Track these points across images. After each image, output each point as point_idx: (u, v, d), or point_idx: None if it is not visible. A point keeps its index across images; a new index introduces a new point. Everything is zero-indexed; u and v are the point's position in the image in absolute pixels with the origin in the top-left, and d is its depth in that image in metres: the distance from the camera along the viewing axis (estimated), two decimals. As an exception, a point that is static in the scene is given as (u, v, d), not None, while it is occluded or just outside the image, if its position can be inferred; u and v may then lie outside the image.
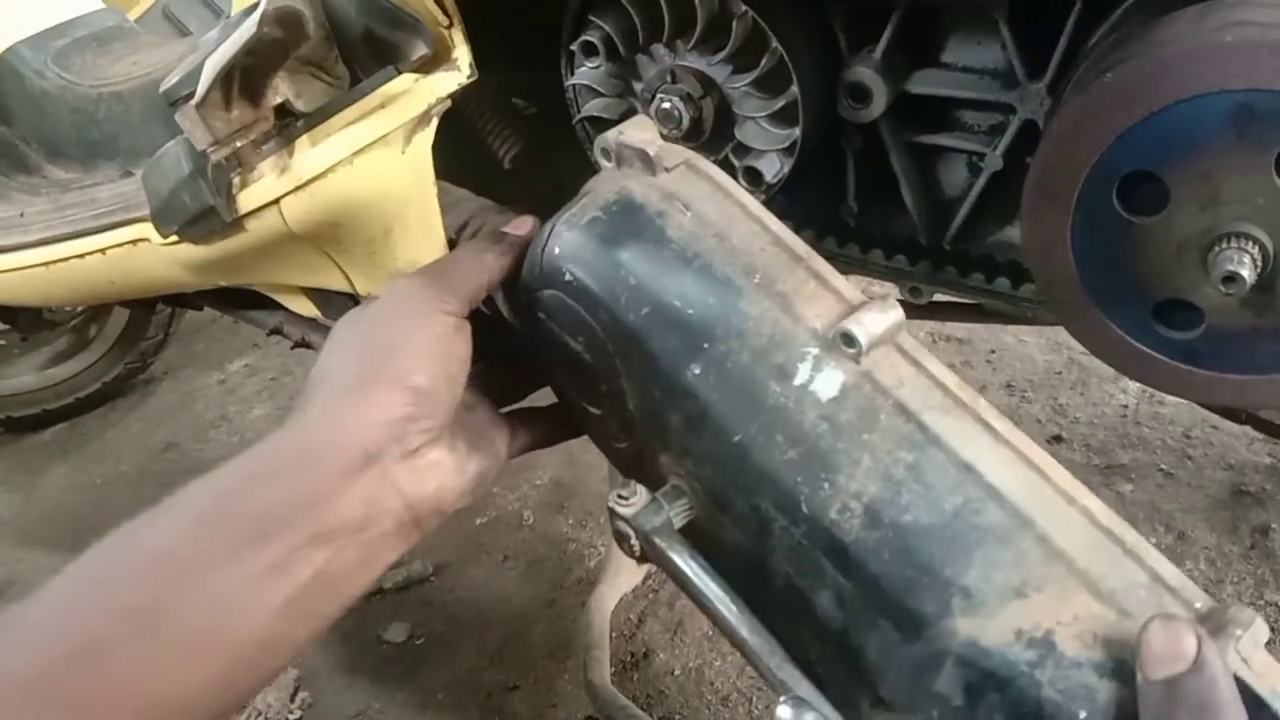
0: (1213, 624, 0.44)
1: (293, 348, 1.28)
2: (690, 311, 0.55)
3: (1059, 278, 0.72)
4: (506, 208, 0.95)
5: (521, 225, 0.66)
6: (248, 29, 0.73)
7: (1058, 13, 0.75)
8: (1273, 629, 0.50)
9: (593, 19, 0.88)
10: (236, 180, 0.85)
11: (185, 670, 0.47)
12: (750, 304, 0.55)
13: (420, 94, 0.82)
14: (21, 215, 1.23)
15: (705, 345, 0.54)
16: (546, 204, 0.75)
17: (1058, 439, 1.67)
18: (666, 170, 0.60)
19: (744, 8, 0.81)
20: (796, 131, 0.85)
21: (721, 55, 0.84)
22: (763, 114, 0.86)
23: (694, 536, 0.55)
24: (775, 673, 0.49)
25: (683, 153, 0.61)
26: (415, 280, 0.59)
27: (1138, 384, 1.75)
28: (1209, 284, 0.64)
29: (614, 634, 1.43)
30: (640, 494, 0.56)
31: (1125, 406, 1.73)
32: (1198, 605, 0.46)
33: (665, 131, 0.86)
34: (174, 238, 0.95)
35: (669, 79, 0.86)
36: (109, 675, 0.45)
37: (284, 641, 0.50)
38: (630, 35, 0.87)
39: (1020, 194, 0.70)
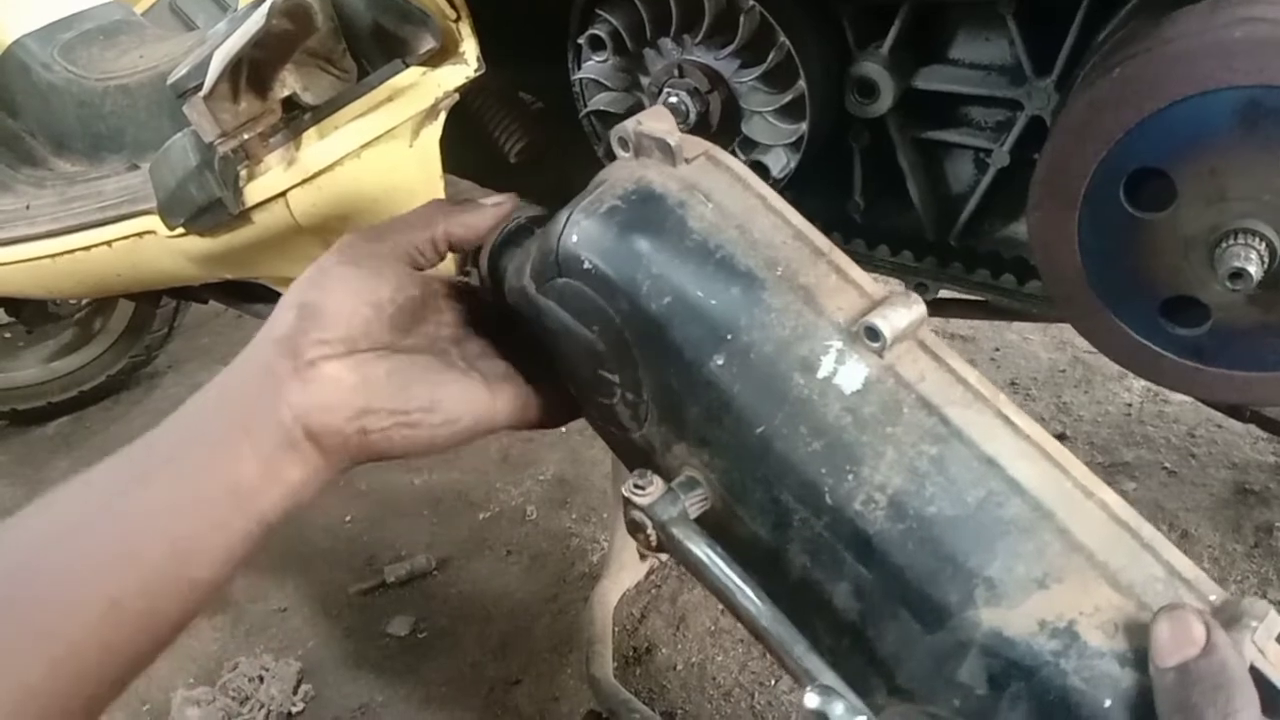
0: (1227, 616, 0.45)
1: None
2: (713, 302, 0.55)
3: (1065, 274, 0.71)
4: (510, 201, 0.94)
5: (493, 198, 0.68)
6: (256, 21, 0.74)
7: (1066, 8, 0.75)
8: (1278, 627, 0.50)
9: (600, 13, 0.88)
10: (244, 173, 0.86)
11: (103, 582, 0.51)
12: (773, 296, 0.55)
13: (428, 87, 0.82)
14: (28, 208, 1.23)
15: (729, 336, 0.55)
16: (552, 198, 0.75)
17: (1062, 437, 1.67)
18: (687, 161, 0.60)
19: (751, 2, 0.81)
20: (803, 126, 0.85)
21: (729, 49, 0.84)
22: (770, 109, 0.86)
23: (707, 529, 0.56)
24: (800, 662, 0.50)
25: (702, 144, 0.61)
26: (347, 235, 0.64)
27: (1142, 382, 1.75)
28: (1216, 280, 0.64)
29: (617, 629, 1.44)
30: (656, 484, 0.56)
31: (1129, 405, 1.73)
32: (1212, 598, 0.47)
33: (672, 126, 0.86)
34: (180, 230, 0.95)
35: (676, 73, 0.86)
36: (36, 595, 0.50)
37: (197, 549, 0.54)
38: (637, 29, 0.87)
39: (1027, 190, 0.70)
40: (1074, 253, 0.70)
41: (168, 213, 0.94)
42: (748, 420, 0.54)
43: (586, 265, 0.58)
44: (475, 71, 0.82)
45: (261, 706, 1.48)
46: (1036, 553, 0.48)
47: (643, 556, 1.51)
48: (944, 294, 0.95)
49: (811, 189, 0.92)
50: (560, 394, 0.66)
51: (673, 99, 0.85)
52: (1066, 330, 1.84)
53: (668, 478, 0.57)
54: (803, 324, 0.54)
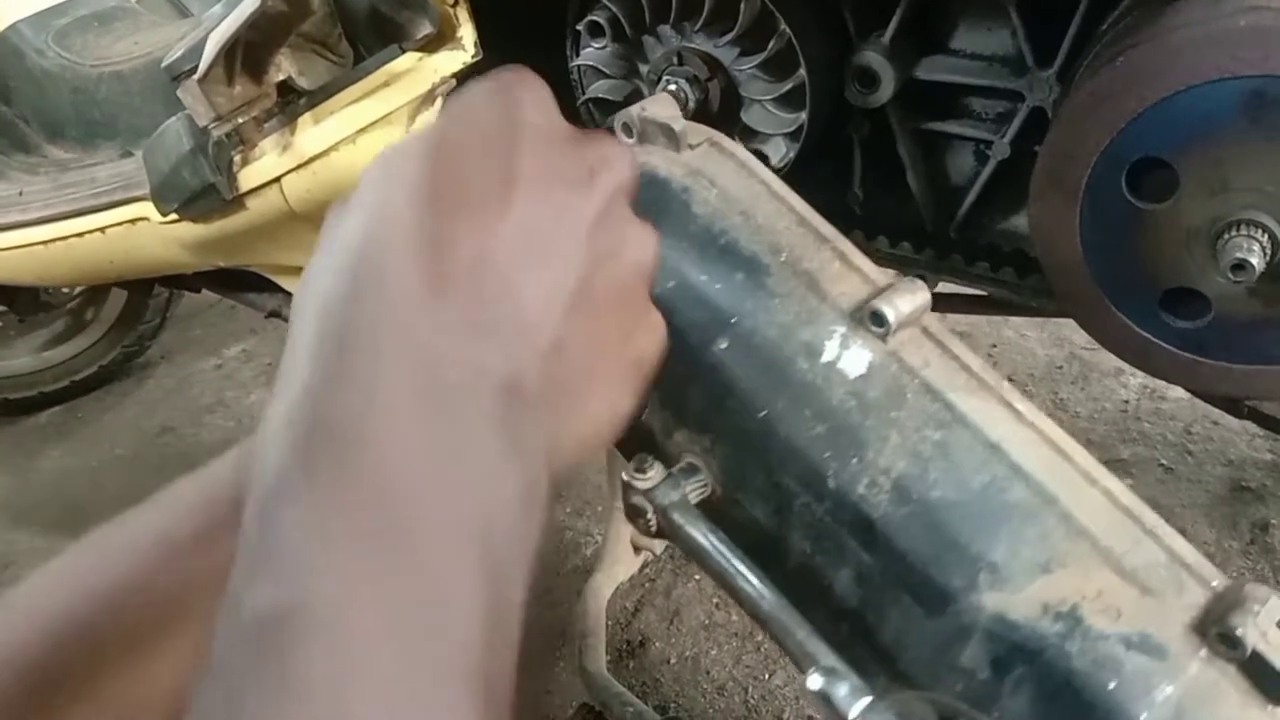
0: (1230, 600, 0.45)
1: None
2: (717, 287, 0.55)
3: (1066, 265, 0.71)
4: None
5: None
6: (252, 3, 0.73)
7: (1068, -1, 0.74)
8: (1274, 626, 0.50)
9: (600, -1, 0.88)
10: (238, 158, 0.85)
11: (164, 646, 0.46)
12: (777, 281, 0.55)
13: (424, 73, 0.82)
14: (20, 194, 1.22)
15: (732, 321, 0.55)
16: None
17: (1057, 434, 1.66)
18: (691, 147, 0.60)
19: (752, -10, 0.81)
20: (803, 116, 0.85)
21: (729, 37, 0.84)
22: (769, 97, 0.85)
23: (706, 515, 0.55)
24: (802, 645, 0.50)
25: (706, 131, 0.62)
26: None
27: (1139, 379, 1.75)
28: (1217, 272, 0.64)
29: (610, 622, 1.43)
30: (657, 469, 0.56)
31: (1126, 402, 1.72)
32: (1214, 583, 0.47)
33: (671, 114, 0.85)
34: (173, 216, 0.94)
35: (675, 60, 0.86)
36: (89, 653, 0.45)
37: None
38: (637, 16, 0.86)
39: (1027, 182, 0.70)
40: (1075, 244, 0.70)
41: (161, 198, 0.93)
42: (751, 404, 0.54)
43: None
44: (472, 57, 0.82)
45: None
46: (1040, 538, 0.48)
47: (637, 550, 1.51)
48: (941, 289, 0.94)
49: (811, 179, 0.91)
50: None
51: (672, 86, 0.85)
52: (1063, 327, 1.84)
53: (667, 465, 0.57)
54: (806, 309, 0.54)
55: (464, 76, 0.83)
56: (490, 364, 0.33)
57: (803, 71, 0.82)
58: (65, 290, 2.07)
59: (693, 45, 0.85)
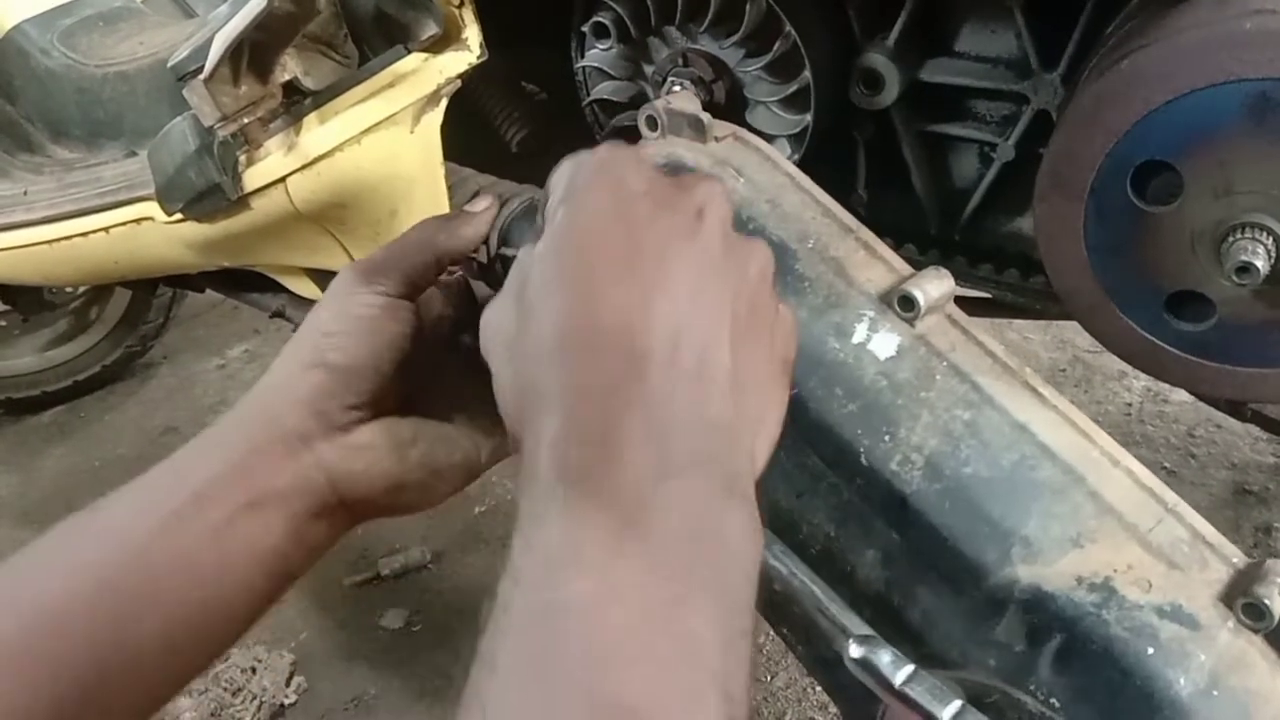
0: (1254, 574, 0.47)
1: (294, 332, 1.27)
2: None
3: (1070, 268, 0.71)
4: (512, 184, 0.94)
5: (477, 203, 0.66)
6: (258, 3, 0.73)
7: (1074, 1, 0.74)
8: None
9: (605, 0, 0.88)
10: (243, 158, 0.85)
11: (137, 630, 0.49)
12: (805, 266, 0.56)
13: (430, 74, 0.82)
14: (25, 193, 1.23)
15: None
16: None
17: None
18: (716, 140, 0.62)
19: (757, -8, 0.81)
20: (808, 118, 0.85)
21: (734, 39, 0.84)
22: (774, 99, 0.85)
23: None
24: (838, 617, 0.51)
25: (730, 126, 0.63)
26: (356, 263, 0.60)
27: (1142, 382, 1.75)
28: (1222, 275, 0.64)
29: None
30: None
31: (1129, 405, 1.72)
32: (1235, 560, 0.49)
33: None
34: (178, 216, 0.94)
35: (680, 62, 0.86)
36: (69, 639, 0.48)
37: (223, 608, 0.52)
38: (642, 17, 0.86)
39: (1032, 185, 0.70)
40: (1079, 246, 0.70)
41: (166, 198, 0.93)
42: None
43: None
44: (478, 58, 0.82)
45: (254, 698, 1.47)
46: (1070, 513, 0.50)
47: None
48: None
49: (815, 181, 0.91)
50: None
51: (677, 88, 0.85)
52: (1066, 329, 1.84)
53: None
54: (835, 293, 0.56)
55: (469, 78, 0.84)
56: (708, 414, 0.38)
57: (808, 73, 0.82)
58: (69, 290, 2.07)
59: (698, 47, 0.86)
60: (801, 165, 0.87)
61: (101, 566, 0.51)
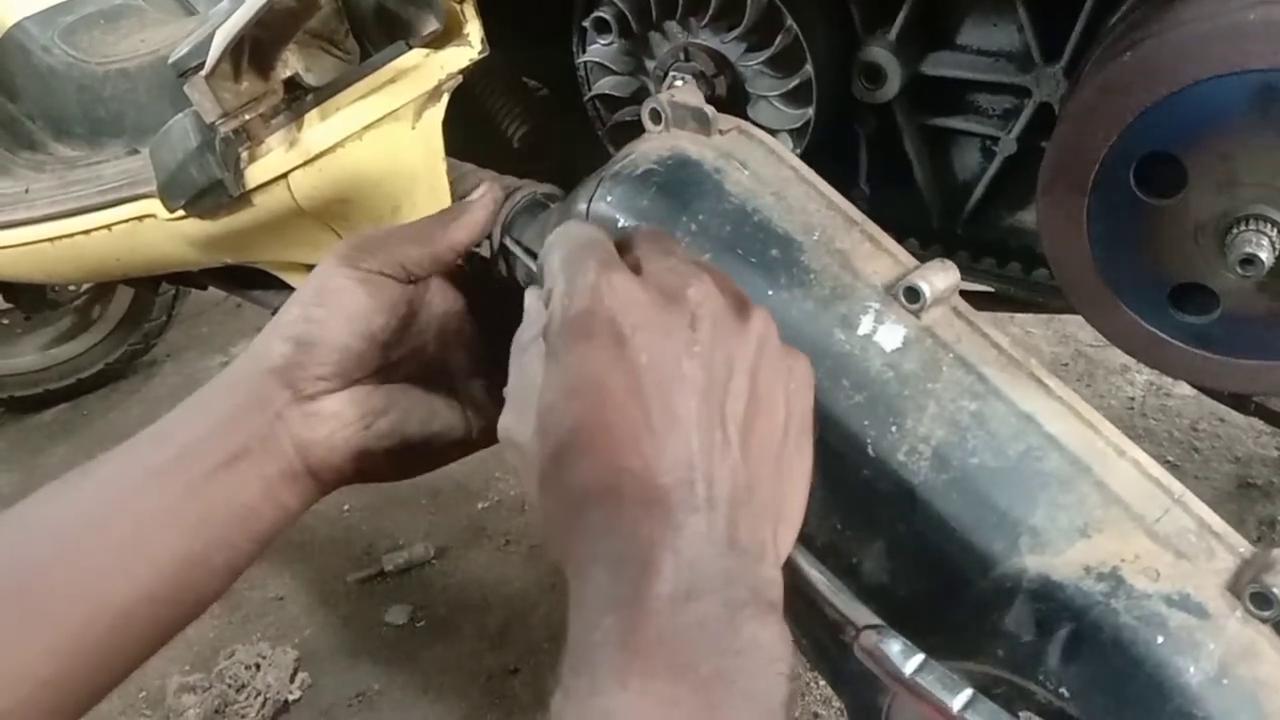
0: (1261, 564, 0.47)
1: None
2: (753, 260, 0.57)
3: (1073, 261, 0.71)
4: (514, 179, 0.94)
5: (476, 191, 0.67)
6: (259, -1, 0.73)
7: (1076, -7, 0.74)
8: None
9: (606, -5, 0.88)
10: (245, 154, 0.85)
11: (116, 583, 0.52)
12: (811, 258, 0.57)
13: (431, 69, 0.82)
14: (27, 191, 1.23)
15: (769, 292, 0.56)
16: (554, 183, 0.75)
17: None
18: (720, 133, 0.62)
19: (759, -14, 0.81)
20: (809, 112, 0.85)
21: (735, 33, 0.84)
22: (776, 93, 0.85)
23: None
24: (846, 610, 0.51)
25: (734, 119, 0.63)
26: (345, 240, 0.62)
27: (1144, 376, 1.75)
28: (1226, 267, 0.64)
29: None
30: None
31: (1132, 399, 1.72)
32: (1242, 550, 0.49)
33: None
34: (180, 213, 0.94)
35: (682, 56, 0.86)
36: (51, 588, 0.51)
37: (202, 564, 0.54)
38: (643, 11, 0.86)
39: (1034, 178, 0.70)
40: (1082, 239, 0.69)
41: (167, 195, 0.93)
42: None
43: (621, 224, 0.59)
44: (479, 54, 0.82)
45: (258, 694, 1.47)
46: (1077, 504, 0.50)
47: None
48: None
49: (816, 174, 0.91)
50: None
51: (679, 82, 0.84)
52: (1069, 324, 1.83)
53: None
54: (841, 285, 0.56)
55: (470, 73, 0.83)
56: (727, 538, 0.40)
57: (809, 67, 0.82)
58: (71, 288, 2.07)
59: (699, 41, 0.85)
60: (803, 159, 0.87)
61: (90, 518, 0.53)
